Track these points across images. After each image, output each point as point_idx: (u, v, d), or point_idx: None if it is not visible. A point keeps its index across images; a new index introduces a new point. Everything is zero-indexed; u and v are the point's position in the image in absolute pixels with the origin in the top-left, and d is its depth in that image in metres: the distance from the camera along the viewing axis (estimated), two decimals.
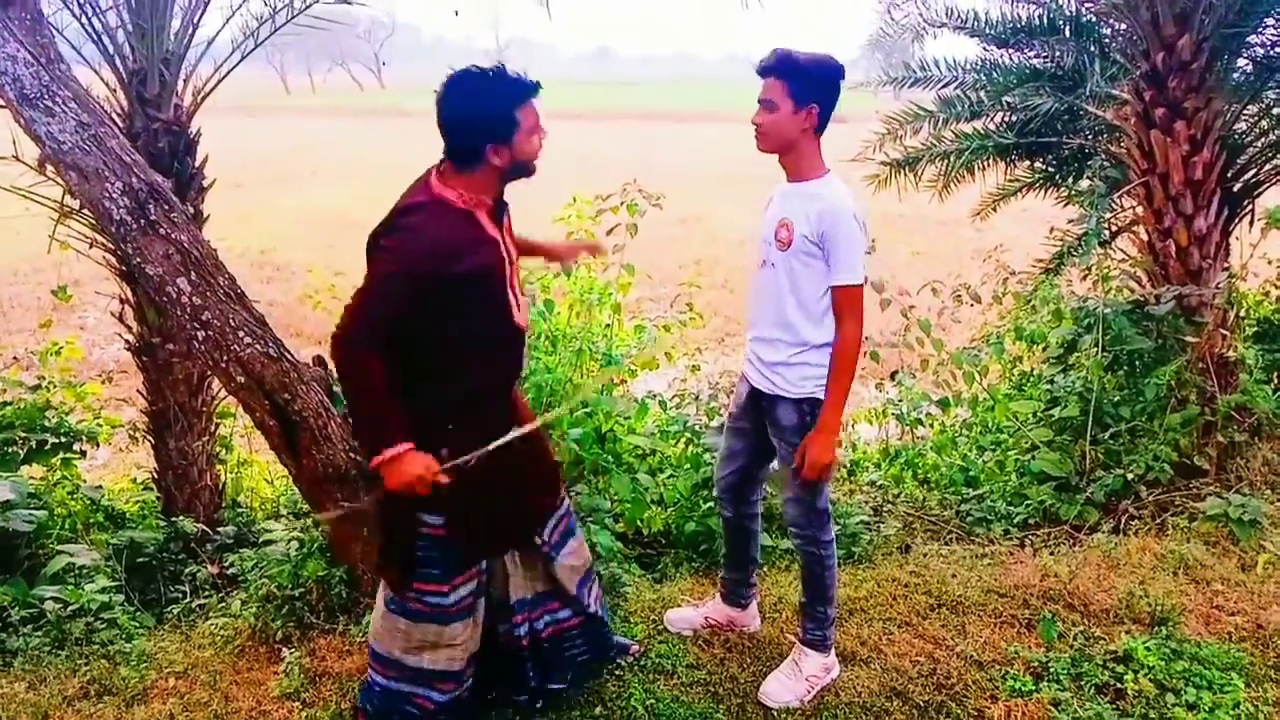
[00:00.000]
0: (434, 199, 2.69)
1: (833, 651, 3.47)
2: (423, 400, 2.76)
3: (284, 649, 3.58)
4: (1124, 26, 5.97)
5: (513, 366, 2.98)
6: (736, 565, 3.70)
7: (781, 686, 3.35)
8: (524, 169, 2.75)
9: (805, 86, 3.00)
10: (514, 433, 2.83)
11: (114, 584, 4.20)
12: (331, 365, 2.92)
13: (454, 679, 3.00)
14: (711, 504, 4.48)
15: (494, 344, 2.85)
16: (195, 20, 5.01)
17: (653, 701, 3.30)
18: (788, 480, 3.31)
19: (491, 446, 2.78)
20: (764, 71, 3.05)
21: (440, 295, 2.63)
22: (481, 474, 2.81)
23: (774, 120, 3.03)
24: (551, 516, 3.13)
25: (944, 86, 7.44)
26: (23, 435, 4.95)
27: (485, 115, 2.62)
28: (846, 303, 3.05)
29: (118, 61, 4.89)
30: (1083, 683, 3.40)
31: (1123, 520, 4.86)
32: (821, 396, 3.16)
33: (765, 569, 4.35)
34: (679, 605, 3.93)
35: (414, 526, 2.87)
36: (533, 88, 2.68)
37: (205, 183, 5.16)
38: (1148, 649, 3.52)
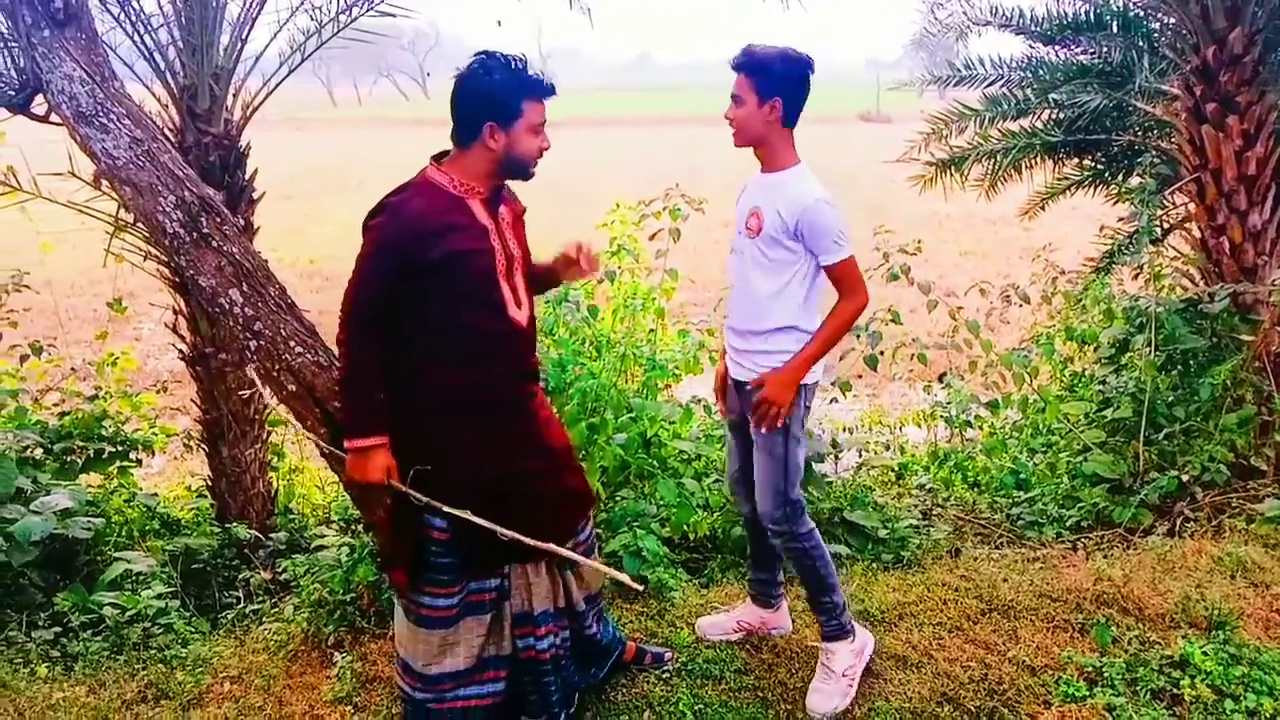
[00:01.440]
0: (425, 181, 2.76)
1: (857, 630, 3.44)
2: (408, 395, 2.79)
3: (336, 653, 3.62)
4: (1173, 20, 5.89)
5: (508, 366, 2.90)
6: (762, 563, 3.68)
7: (823, 695, 3.31)
8: (518, 166, 2.77)
9: (768, 81, 3.08)
10: (468, 514, 2.76)
11: (170, 590, 4.28)
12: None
13: (473, 675, 3.00)
14: None
15: (482, 337, 2.80)
16: (244, 35, 5.10)
17: (701, 707, 3.29)
18: (759, 473, 3.29)
19: (446, 510, 2.77)
20: (734, 68, 3.15)
21: (423, 276, 2.67)
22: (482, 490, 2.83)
23: (742, 115, 3.12)
24: (570, 539, 3.08)
25: (989, 85, 7.36)
26: (81, 444, 5.08)
27: (492, 94, 2.67)
28: (843, 276, 3.12)
29: (169, 77, 4.99)
30: (1138, 688, 3.34)
31: (1178, 523, 4.78)
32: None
33: None
34: (717, 611, 3.92)
35: (420, 529, 2.90)
36: (546, 88, 2.72)
37: (255, 195, 5.25)
38: (1205, 654, 3.45)
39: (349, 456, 2.78)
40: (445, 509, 2.77)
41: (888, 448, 6.40)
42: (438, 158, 2.82)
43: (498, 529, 2.72)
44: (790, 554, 3.34)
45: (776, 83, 3.08)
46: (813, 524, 3.35)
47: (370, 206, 2.76)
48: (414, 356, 2.79)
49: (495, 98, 2.67)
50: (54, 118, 3.39)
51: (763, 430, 3.20)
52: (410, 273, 2.66)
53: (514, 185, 2.97)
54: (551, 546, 2.73)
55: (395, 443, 2.80)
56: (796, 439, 3.25)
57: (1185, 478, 4.86)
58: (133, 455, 5.28)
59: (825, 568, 3.34)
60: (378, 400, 2.76)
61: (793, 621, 3.81)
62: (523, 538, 2.70)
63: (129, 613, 3.95)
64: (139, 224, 4.24)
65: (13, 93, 3.39)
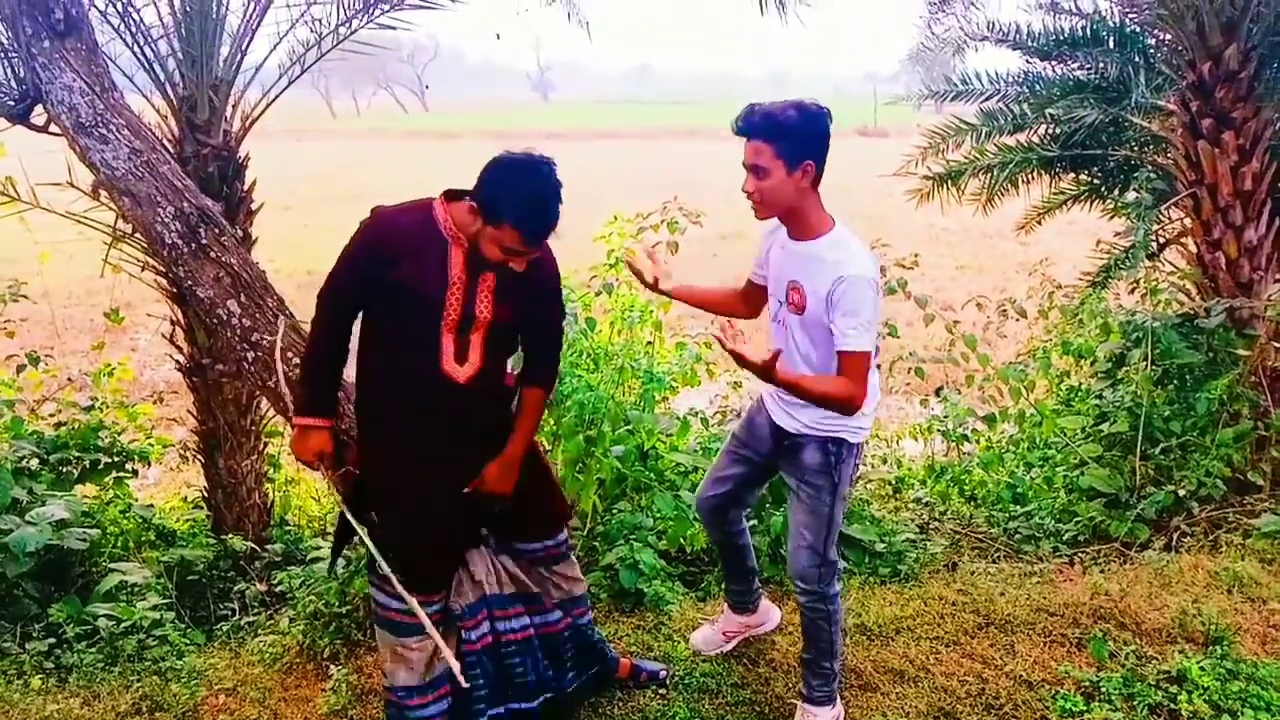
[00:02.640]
0: (426, 207, 2.76)
1: (838, 700, 3.32)
2: (360, 396, 2.91)
3: (332, 666, 3.61)
4: (1169, 37, 5.92)
5: (442, 415, 2.82)
6: (737, 578, 3.66)
7: None
8: (475, 245, 2.68)
9: (795, 145, 2.77)
10: (363, 533, 2.92)
11: (165, 601, 4.26)
12: None
13: (419, 693, 3.01)
14: (755, 522, 4.47)
15: (411, 376, 2.77)
16: (244, 47, 5.11)
17: None
18: (798, 529, 3.15)
19: (350, 518, 2.93)
20: (747, 132, 2.80)
21: (380, 289, 2.70)
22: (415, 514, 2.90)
23: (769, 186, 2.81)
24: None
25: (986, 99, 7.39)
26: (77, 455, 5.06)
27: (494, 193, 2.56)
28: (849, 369, 2.81)
29: (168, 88, 4.99)
30: (1135, 703, 3.34)
31: (1174, 537, 4.78)
32: (846, 437, 3.05)
33: None
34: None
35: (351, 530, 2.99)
36: (531, 230, 2.58)
37: (254, 206, 5.25)
38: (1202, 669, 3.46)
39: (295, 434, 2.90)
40: (349, 516, 2.91)
41: (884, 461, 6.40)
42: (449, 195, 2.76)
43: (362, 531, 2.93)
44: (810, 613, 3.19)
45: (804, 144, 2.77)
46: (840, 587, 3.22)
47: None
48: (366, 363, 2.86)
49: (488, 198, 2.57)
50: (53, 128, 3.40)
51: (815, 456, 3.05)
52: (371, 280, 2.71)
53: None
54: None
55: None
56: (842, 498, 3.11)
57: (1182, 492, 4.86)
58: (129, 466, 5.26)
59: (838, 635, 3.22)
60: (329, 384, 2.87)
61: (783, 618, 3.81)
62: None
63: (124, 624, 3.94)
64: (137, 235, 4.24)
65: (12, 103, 3.40)
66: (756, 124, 2.77)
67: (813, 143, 2.78)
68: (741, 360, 2.65)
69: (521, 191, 2.54)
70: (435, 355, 2.74)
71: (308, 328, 2.96)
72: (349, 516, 2.94)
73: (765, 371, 2.69)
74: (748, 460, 3.36)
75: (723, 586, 4.34)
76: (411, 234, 2.70)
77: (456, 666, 2.79)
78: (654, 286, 3.38)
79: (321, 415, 2.86)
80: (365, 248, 2.73)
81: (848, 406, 2.84)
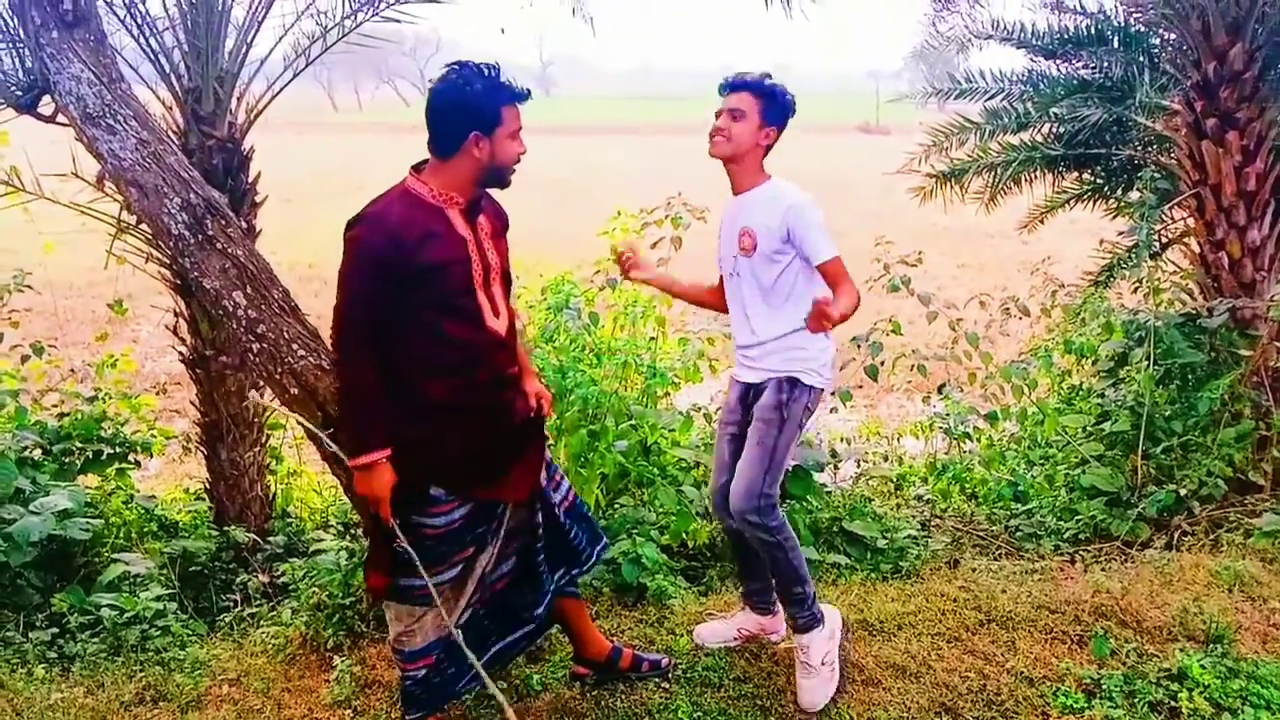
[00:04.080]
0: (404, 191, 2.78)
1: (825, 612, 3.44)
2: (402, 399, 2.81)
3: (335, 657, 3.62)
4: (1174, 36, 5.92)
5: (487, 374, 2.90)
6: (752, 575, 3.67)
7: (810, 690, 3.33)
8: (500, 173, 2.77)
9: (773, 109, 3.24)
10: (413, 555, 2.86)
11: (168, 592, 4.27)
12: None
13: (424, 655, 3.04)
14: None
15: (461, 346, 2.82)
16: (249, 39, 5.11)
17: (700, 714, 3.29)
18: (743, 461, 3.31)
19: (402, 545, 2.86)
20: (737, 86, 3.26)
21: (404, 285, 2.69)
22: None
23: (740, 129, 3.22)
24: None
25: (990, 98, 7.40)
26: (80, 446, 5.07)
27: (474, 103, 2.68)
28: (838, 272, 3.19)
29: (174, 80, 5.00)
30: (1136, 700, 3.35)
31: (1175, 536, 4.79)
32: (800, 378, 3.28)
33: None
34: (714, 618, 3.92)
35: (404, 531, 2.92)
36: (522, 93, 2.75)
37: (258, 198, 5.25)
38: (1203, 667, 3.46)
39: (356, 473, 2.80)
40: (402, 544, 2.85)
41: (886, 458, 6.41)
42: (416, 167, 2.83)
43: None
44: (762, 546, 3.34)
45: (778, 113, 3.26)
46: (784, 516, 3.37)
47: None
48: (395, 363, 2.80)
49: (477, 107, 2.68)
50: (61, 118, 3.40)
51: (773, 394, 3.27)
52: (394, 281, 2.68)
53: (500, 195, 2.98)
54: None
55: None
56: (790, 435, 3.30)
57: (1183, 492, 4.88)
58: (131, 457, 5.27)
59: (797, 558, 3.35)
60: (378, 415, 2.78)
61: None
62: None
63: (127, 614, 3.94)
64: (141, 225, 4.25)
65: (20, 93, 3.40)
66: (749, 82, 3.27)
67: (784, 115, 3.29)
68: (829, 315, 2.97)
69: (478, 83, 2.68)
70: (480, 316, 2.81)
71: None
72: (404, 543, 2.88)
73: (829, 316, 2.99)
74: (736, 436, 3.46)
75: (726, 582, 4.37)
76: (408, 218, 2.72)
77: (458, 636, 2.91)
78: (626, 274, 3.69)
79: (379, 447, 2.76)
80: (377, 255, 2.68)
81: (857, 305, 3.17)
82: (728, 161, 3.30)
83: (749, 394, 3.41)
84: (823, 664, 3.35)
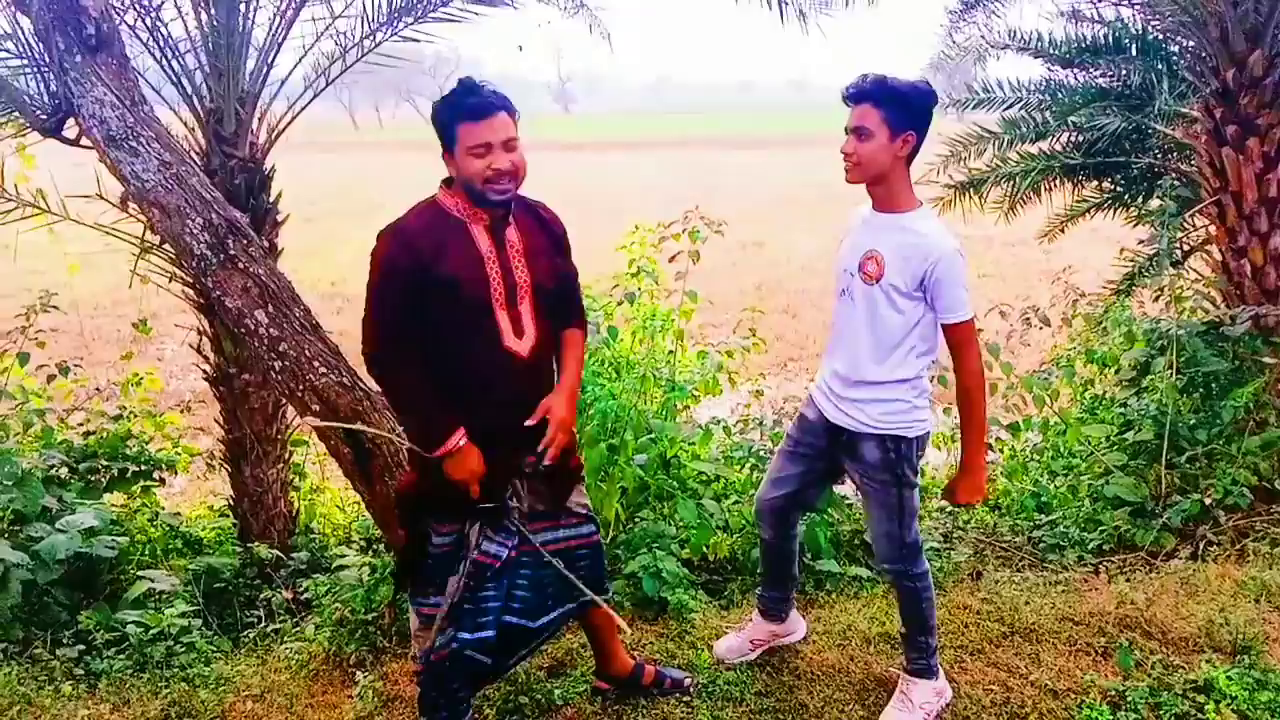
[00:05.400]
0: (432, 203, 2.82)
1: (941, 675, 3.41)
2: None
3: (358, 673, 3.64)
4: (1192, 44, 5.89)
5: (504, 395, 2.85)
6: (777, 584, 3.67)
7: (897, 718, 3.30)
8: (470, 191, 2.73)
9: (902, 114, 2.90)
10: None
11: (192, 609, 4.30)
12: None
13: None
14: None
15: (475, 365, 2.80)
16: (269, 60, 5.17)
17: None
18: (873, 519, 3.27)
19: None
20: (857, 97, 2.94)
21: (425, 296, 2.71)
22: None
23: (869, 150, 2.92)
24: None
25: (1008, 108, 7.37)
26: (105, 464, 5.12)
27: (437, 125, 2.74)
28: (966, 337, 3.00)
29: (195, 101, 5.06)
30: (1162, 713, 3.32)
31: (1201, 546, 4.75)
32: (903, 433, 3.11)
33: (833, 596, 4.32)
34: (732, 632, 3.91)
35: (423, 542, 2.95)
36: (473, 110, 2.66)
37: (279, 217, 5.30)
38: (1230, 678, 3.43)
39: (447, 463, 2.80)
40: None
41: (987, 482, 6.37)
42: (447, 182, 2.85)
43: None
44: (899, 590, 3.31)
45: (911, 115, 2.91)
46: (927, 565, 3.33)
47: None
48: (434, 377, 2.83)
49: (439, 128, 2.73)
50: (85, 141, 3.45)
51: (878, 455, 3.14)
52: (412, 292, 2.72)
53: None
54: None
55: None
56: (910, 484, 3.19)
57: (1208, 501, 4.83)
58: (156, 475, 5.31)
59: (931, 609, 3.31)
60: (434, 402, 2.79)
61: (808, 627, 3.81)
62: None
63: (152, 631, 3.97)
64: (165, 245, 4.30)
65: (45, 116, 3.46)
66: (868, 89, 2.91)
67: (918, 116, 2.92)
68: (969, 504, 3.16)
69: (449, 98, 2.71)
70: (495, 335, 2.78)
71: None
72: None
73: (972, 483, 3.17)
74: (806, 457, 3.39)
75: (748, 593, 4.36)
76: (428, 230, 2.75)
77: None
78: None
79: (453, 429, 2.76)
80: (398, 266, 2.72)
81: (981, 378, 3.08)
82: (866, 184, 3.02)
83: (837, 434, 3.24)
84: (920, 708, 3.31)
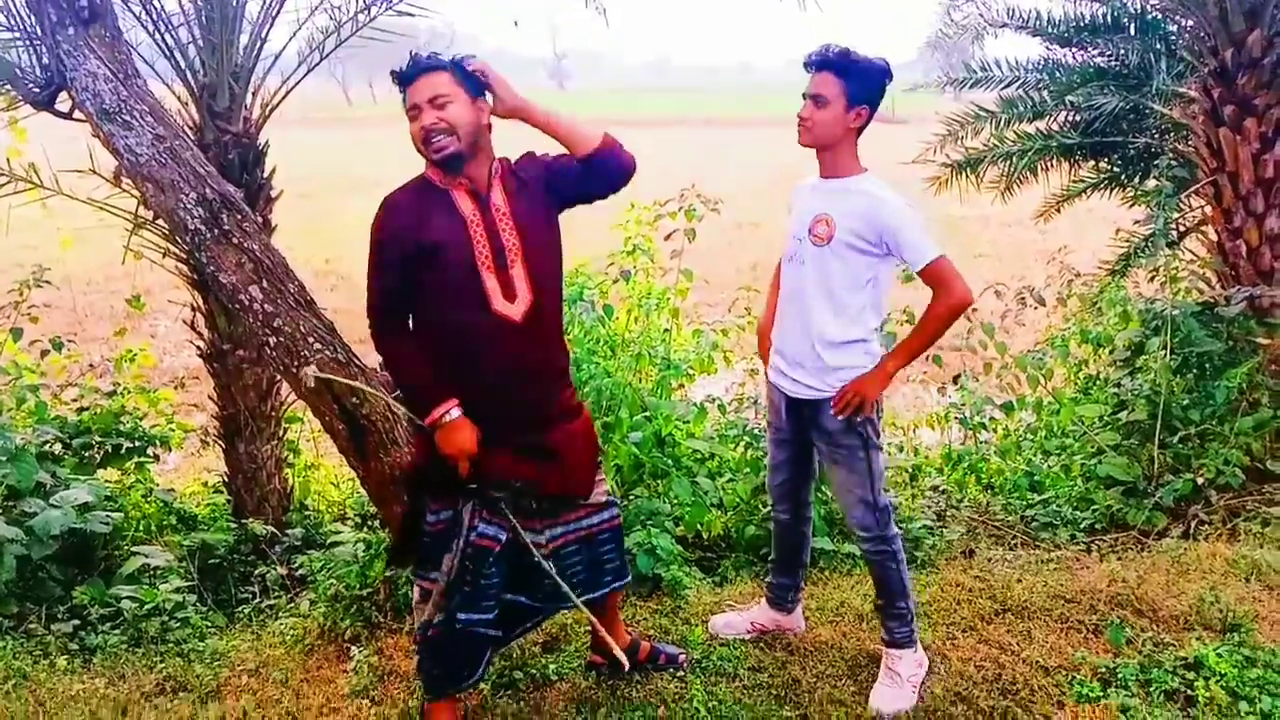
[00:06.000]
0: (419, 177, 2.86)
1: (919, 645, 3.44)
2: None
3: (353, 648, 3.65)
4: (1191, 23, 5.88)
5: (496, 361, 2.83)
6: (787, 569, 3.69)
7: (889, 696, 3.31)
8: (424, 156, 2.78)
9: (861, 87, 3.00)
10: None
11: (187, 584, 4.31)
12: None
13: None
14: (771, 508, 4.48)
15: (464, 331, 2.81)
16: (263, 34, 5.12)
17: (715, 704, 3.30)
18: (842, 488, 3.30)
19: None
20: (819, 65, 3.03)
21: (413, 264, 2.75)
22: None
23: (825, 117, 3.02)
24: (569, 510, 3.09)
25: (1005, 87, 7.36)
26: (99, 440, 5.11)
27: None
28: (941, 277, 3.03)
29: (189, 76, 5.02)
30: (1152, 689, 3.34)
31: (1192, 525, 4.77)
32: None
33: (826, 573, 4.34)
34: (730, 609, 3.93)
35: (419, 523, 2.98)
36: (402, 77, 2.76)
37: (273, 193, 5.27)
38: (1219, 656, 3.45)
39: (437, 435, 2.82)
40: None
41: (901, 449, 6.39)
42: None
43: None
44: (875, 558, 3.32)
45: (868, 89, 3.02)
46: (898, 529, 3.36)
47: None
48: (421, 335, 2.89)
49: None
50: (78, 114, 3.42)
51: (839, 418, 3.16)
52: (401, 262, 2.77)
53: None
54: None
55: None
56: (876, 446, 3.22)
57: (1200, 481, 4.85)
58: (150, 451, 5.31)
59: (905, 573, 3.35)
60: (428, 375, 2.83)
61: (805, 620, 3.82)
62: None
63: (147, 606, 3.99)
64: (158, 221, 4.28)
65: (38, 90, 3.42)
66: (831, 59, 3.01)
67: (874, 92, 3.04)
68: (863, 397, 3.10)
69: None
70: (483, 297, 2.78)
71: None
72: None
73: (880, 379, 3.13)
74: (788, 442, 3.44)
75: (741, 573, 4.38)
76: (415, 200, 2.80)
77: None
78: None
79: (447, 398, 2.79)
80: (386, 237, 2.79)
81: (960, 309, 3.09)
82: (816, 149, 3.12)
83: (799, 409, 3.30)
84: (908, 680, 3.34)
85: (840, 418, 3.16)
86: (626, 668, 3.22)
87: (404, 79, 2.76)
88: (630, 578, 3.40)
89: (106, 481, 5.06)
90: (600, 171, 2.88)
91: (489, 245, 2.78)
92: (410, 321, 2.88)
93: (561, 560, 3.06)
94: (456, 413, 2.80)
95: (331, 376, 3.24)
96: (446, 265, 2.76)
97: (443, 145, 2.71)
